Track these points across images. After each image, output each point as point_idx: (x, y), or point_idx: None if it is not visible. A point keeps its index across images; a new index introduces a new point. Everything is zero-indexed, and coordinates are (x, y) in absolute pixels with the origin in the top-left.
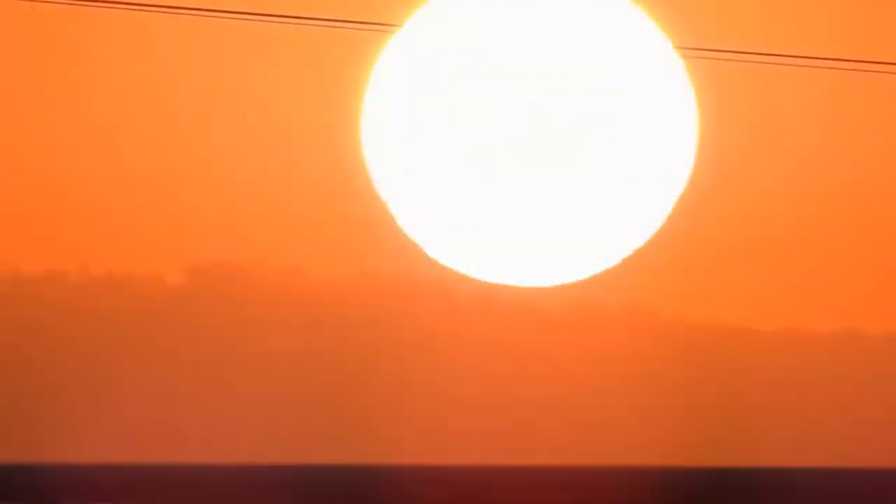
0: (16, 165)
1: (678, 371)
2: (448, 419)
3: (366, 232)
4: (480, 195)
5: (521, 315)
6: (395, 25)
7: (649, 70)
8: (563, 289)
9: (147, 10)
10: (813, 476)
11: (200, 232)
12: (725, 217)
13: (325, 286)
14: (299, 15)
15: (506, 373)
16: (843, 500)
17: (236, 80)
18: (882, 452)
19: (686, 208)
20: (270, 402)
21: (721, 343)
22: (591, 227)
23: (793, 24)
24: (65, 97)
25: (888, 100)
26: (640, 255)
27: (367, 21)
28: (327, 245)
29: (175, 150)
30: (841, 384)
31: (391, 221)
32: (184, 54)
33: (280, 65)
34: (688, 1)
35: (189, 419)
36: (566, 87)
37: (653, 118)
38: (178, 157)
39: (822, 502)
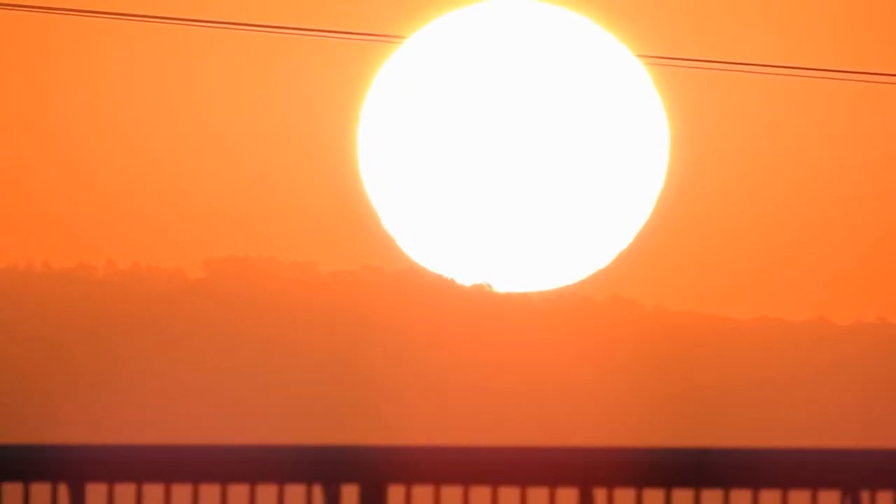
0: (44, 168)
1: (661, 357)
2: (447, 402)
3: (370, 230)
4: (473, 204)
5: (514, 307)
6: (401, 37)
7: (619, 80)
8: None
9: (165, 22)
10: (787, 455)
11: (218, 230)
12: (701, 215)
13: (333, 279)
14: (321, 28)
15: (501, 360)
16: (814, 478)
17: (252, 90)
18: (852, 433)
19: (663, 209)
20: (283, 385)
21: (701, 331)
22: (580, 232)
23: (758, 35)
24: (91, 107)
25: (855, 103)
26: (622, 252)
27: (378, 33)
28: (335, 242)
29: (194, 155)
30: (813, 369)
31: (394, 221)
32: (201, 64)
33: (292, 74)
34: (656, 13)
35: (208, 401)
36: (547, 103)
37: (627, 126)
38: (197, 161)
39: (796, 480)
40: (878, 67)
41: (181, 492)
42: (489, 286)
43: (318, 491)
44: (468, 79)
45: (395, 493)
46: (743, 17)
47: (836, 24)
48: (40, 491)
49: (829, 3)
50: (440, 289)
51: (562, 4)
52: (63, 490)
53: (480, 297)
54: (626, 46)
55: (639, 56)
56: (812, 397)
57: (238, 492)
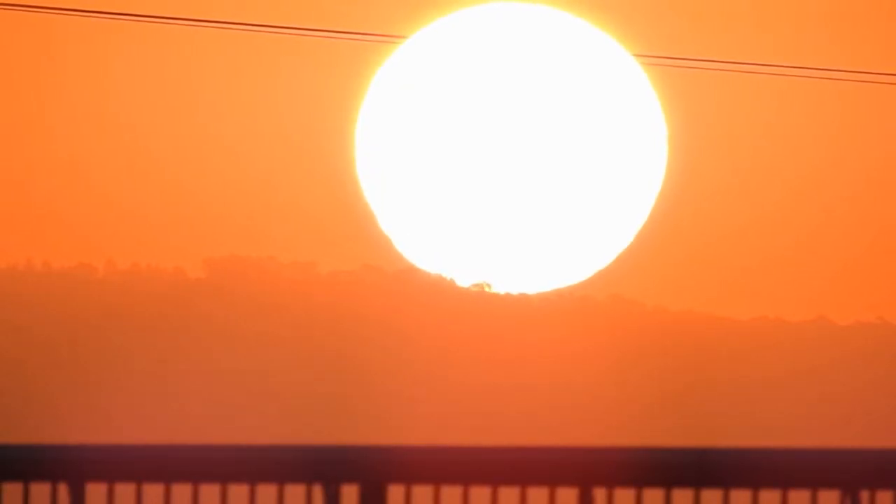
0: (44, 168)
1: (661, 356)
2: (447, 401)
3: (370, 230)
4: (473, 205)
5: (514, 307)
6: (401, 37)
7: (616, 81)
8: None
9: (165, 22)
10: (787, 455)
11: (219, 229)
12: (700, 215)
13: (333, 278)
14: (320, 28)
15: (501, 359)
16: (814, 478)
17: (253, 90)
18: (852, 433)
19: (662, 208)
20: (284, 385)
21: (701, 331)
22: (580, 232)
23: (754, 34)
24: (91, 106)
25: (854, 102)
26: (622, 252)
27: (378, 33)
28: (335, 242)
29: (194, 154)
30: (813, 368)
31: (394, 222)
32: (202, 64)
33: (292, 74)
34: (653, 14)
35: (209, 401)
36: (546, 104)
37: (625, 126)
38: (197, 161)
39: (796, 479)
40: (876, 67)
41: (181, 492)
42: (489, 286)
43: (318, 491)
44: (467, 80)
45: (395, 493)
46: (740, 17)
47: (834, 24)
48: (40, 491)
49: (826, 3)
50: (440, 289)
51: (559, 6)
52: (63, 490)
53: (480, 297)
54: (623, 47)
55: (636, 56)
56: (812, 397)
57: (238, 492)
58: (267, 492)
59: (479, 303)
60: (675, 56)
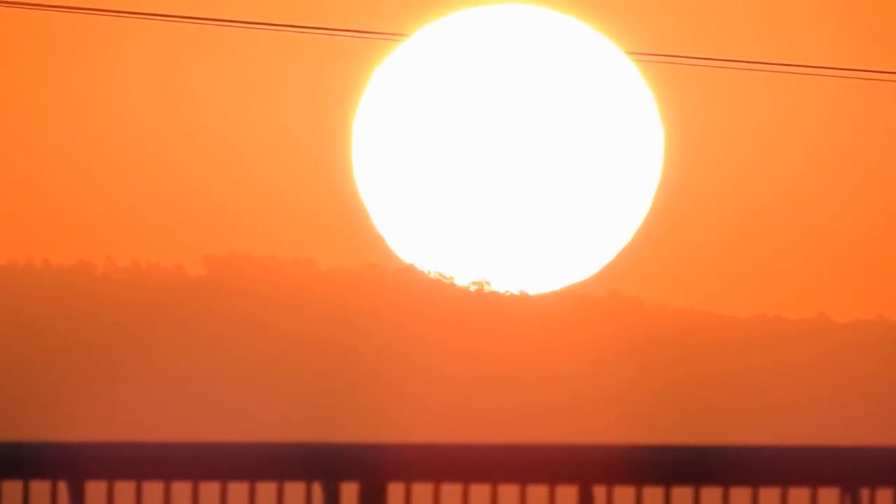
0: (44, 165)
1: (660, 354)
2: (446, 398)
3: (370, 228)
4: (472, 204)
5: (514, 304)
6: (400, 35)
7: (612, 80)
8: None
9: (169, 20)
10: (786, 453)
11: (219, 227)
12: (698, 212)
13: (333, 276)
14: (319, 26)
15: (501, 356)
16: (814, 475)
17: (252, 88)
18: (852, 430)
19: (660, 206)
20: (284, 383)
21: (700, 329)
22: (578, 231)
23: (751, 31)
24: (90, 104)
25: (850, 98)
26: (621, 250)
27: (377, 31)
28: (335, 239)
29: (194, 152)
30: (812, 366)
31: (393, 220)
32: (201, 61)
33: (292, 71)
34: (647, 12)
35: (208, 399)
36: (543, 103)
37: (622, 124)
38: (197, 158)
39: (796, 477)
40: (872, 64)
41: (181, 489)
42: (489, 285)
43: (317, 488)
44: (465, 79)
45: (395, 491)
46: (735, 14)
47: (829, 22)
48: (40, 488)
49: (820, 0)
50: (440, 287)
51: (557, 6)
52: (63, 488)
53: (481, 296)
54: (618, 45)
55: (631, 54)
56: (811, 395)
57: (238, 489)
58: (267, 489)
59: (479, 301)
60: (670, 54)
